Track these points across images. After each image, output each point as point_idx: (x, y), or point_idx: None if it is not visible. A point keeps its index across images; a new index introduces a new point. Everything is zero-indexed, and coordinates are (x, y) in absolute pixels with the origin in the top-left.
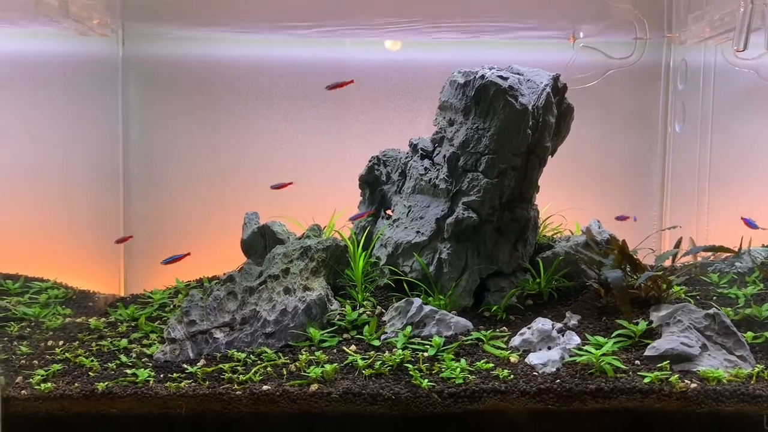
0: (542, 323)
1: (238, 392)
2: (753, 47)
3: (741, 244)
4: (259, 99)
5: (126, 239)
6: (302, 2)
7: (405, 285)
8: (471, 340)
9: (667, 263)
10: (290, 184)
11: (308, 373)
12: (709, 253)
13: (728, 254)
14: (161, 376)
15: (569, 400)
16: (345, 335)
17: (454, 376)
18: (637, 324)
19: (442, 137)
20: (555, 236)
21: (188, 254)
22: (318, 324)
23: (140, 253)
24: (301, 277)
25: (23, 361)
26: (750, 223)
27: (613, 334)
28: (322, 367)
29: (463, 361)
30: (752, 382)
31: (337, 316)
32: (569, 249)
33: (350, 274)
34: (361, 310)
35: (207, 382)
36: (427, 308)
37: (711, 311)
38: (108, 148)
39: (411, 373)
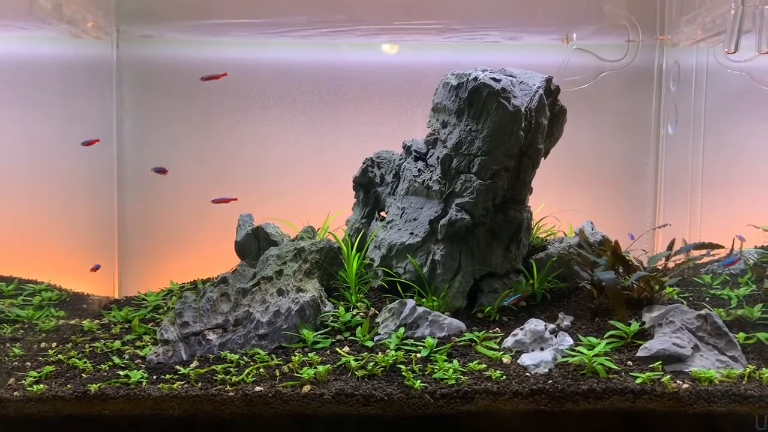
0: (535, 324)
1: (230, 393)
2: (744, 49)
3: (733, 246)
4: (253, 101)
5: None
6: (298, 4)
7: (398, 286)
8: (464, 341)
9: (660, 264)
10: (234, 199)
11: (301, 374)
12: (702, 252)
13: (719, 249)
14: (154, 377)
15: (561, 400)
16: (338, 336)
17: (446, 377)
18: (629, 325)
19: (436, 139)
20: (548, 238)
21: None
22: (311, 325)
23: (134, 255)
24: (294, 278)
25: (16, 363)
26: (740, 238)
27: (606, 335)
28: (315, 368)
29: (455, 362)
30: (744, 382)
31: (331, 318)
32: (562, 250)
33: (344, 275)
34: (355, 311)
35: (199, 384)
36: (420, 309)
37: (703, 312)
38: (102, 150)
39: (404, 374)
